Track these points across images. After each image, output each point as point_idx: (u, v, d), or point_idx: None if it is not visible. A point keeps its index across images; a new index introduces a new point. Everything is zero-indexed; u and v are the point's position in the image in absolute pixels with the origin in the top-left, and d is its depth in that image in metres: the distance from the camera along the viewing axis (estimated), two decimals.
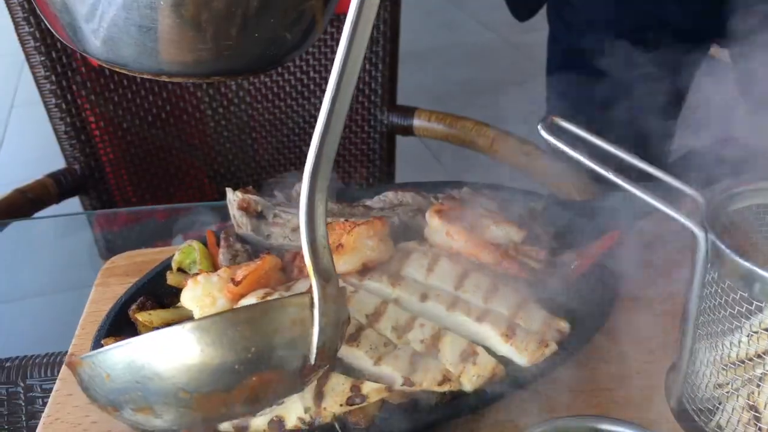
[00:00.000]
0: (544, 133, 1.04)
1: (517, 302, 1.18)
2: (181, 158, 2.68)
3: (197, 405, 0.84)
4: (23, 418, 1.37)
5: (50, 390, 1.34)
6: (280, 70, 2.58)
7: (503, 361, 1.12)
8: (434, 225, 1.26)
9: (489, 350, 1.12)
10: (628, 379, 1.19)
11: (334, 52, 2.56)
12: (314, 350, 0.87)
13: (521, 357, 1.12)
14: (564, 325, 1.17)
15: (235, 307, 1.18)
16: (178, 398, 0.84)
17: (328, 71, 2.64)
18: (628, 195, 1.33)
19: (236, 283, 1.16)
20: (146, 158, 2.60)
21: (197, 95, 2.60)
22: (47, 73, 2.34)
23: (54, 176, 2.40)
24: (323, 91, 2.69)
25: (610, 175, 1.01)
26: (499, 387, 1.10)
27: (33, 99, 2.47)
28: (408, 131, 2.63)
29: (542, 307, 1.19)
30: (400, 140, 2.70)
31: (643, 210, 1.34)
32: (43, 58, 2.32)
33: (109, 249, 2.24)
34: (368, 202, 1.49)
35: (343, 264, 1.18)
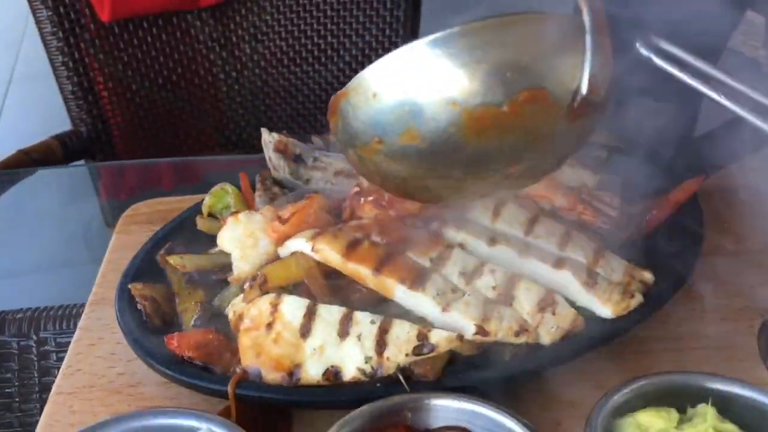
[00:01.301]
0: (644, 51, 0.92)
1: (594, 250, 1.06)
2: (191, 123, 2.55)
3: (466, 125, 0.78)
4: (35, 374, 1.25)
5: (65, 344, 1.22)
6: (296, 33, 2.45)
7: (582, 312, 1.00)
8: None
9: (567, 300, 1.00)
10: (715, 337, 1.07)
11: (353, 16, 2.45)
12: (586, 77, 0.79)
13: (605, 308, 1.00)
14: (648, 276, 1.05)
15: (280, 249, 1.06)
16: (447, 113, 0.78)
17: (347, 36, 2.52)
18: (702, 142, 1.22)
19: (283, 222, 1.04)
20: (155, 122, 2.46)
21: (210, 58, 2.47)
22: (54, 29, 2.21)
23: (60, 138, 2.27)
24: (340, 57, 2.58)
25: (722, 99, 0.89)
26: (579, 341, 0.98)
27: (31, 73, 2.34)
28: None
29: (622, 257, 1.07)
30: None
31: (720, 158, 1.23)
32: (50, 13, 2.18)
33: (115, 217, 2.13)
34: None
35: (404, 203, 1.05)
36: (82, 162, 2.41)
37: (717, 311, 1.10)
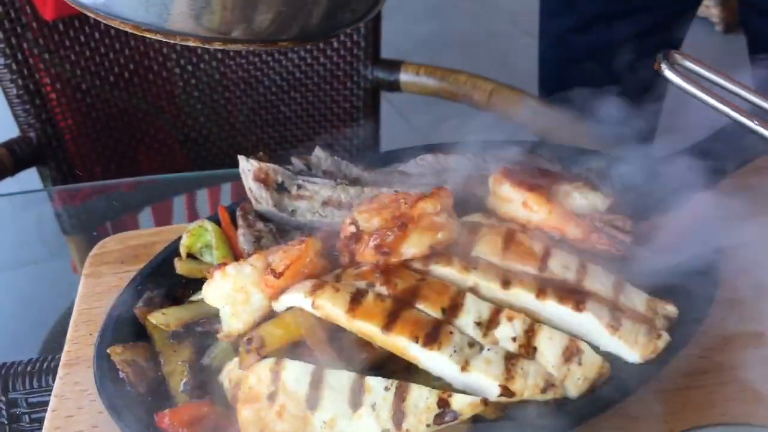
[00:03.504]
0: (667, 73, 0.84)
1: (612, 284, 0.99)
2: (148, 122, 2.42)
3: None
4: None
5: (38, 405, 1.12)
6: None
7: (606, 356, 0.93)
8: (505, 193, 1.05)
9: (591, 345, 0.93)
10: (743, 368, 1.01)
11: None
12: None
13: (632, 352, 0.93)
14: (672, 309, 0.98)
15: (275, 304, 0.96)
16: None
17: None
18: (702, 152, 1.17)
19: (277, 276, 0.94)
20: (109, 123, 2.33)
21: (163, 52, 2.34)
22: None
23: (7, 145, 2.12)
24: (302, 46, 2.46)
25: (753, 124, 0.82)
26: (607, 390, 0.91)
27: None
28: (394, 87, 2.41)
29: (640, 289, 1.00)
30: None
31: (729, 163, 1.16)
32: None
33: (73, 225, 2.01)
34: (403, 167, 1.28)
35: (408, 248, 0.96)
36: (33, 169, 2.28)
37: (742, 338, 1.04)
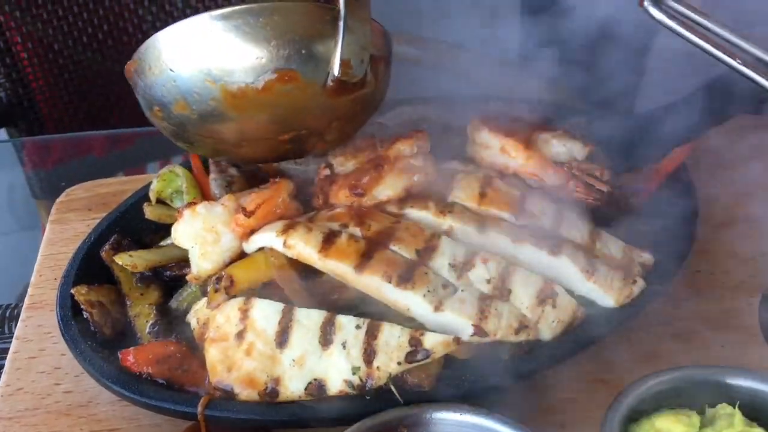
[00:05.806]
0: (652, 10, 0.82)
1: (589, 231, 0.98)
2: (122, 86, 2.35)
3: (226, 102, 0.87)
4: None
5: (1, 351, 1.09)
6: None
7: (581, 300, 0.92)
8: (483, 139, 1.03)
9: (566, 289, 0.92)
10: (715, 317, 1.00)
11: None
12: (337, 60, 0.86)
13: (607, 297, 0.92)
14: (648, 258, 0.97)
15: (246, 244, 0.94)
16: (206, 89, 0.87)
17: None
18: (682, 109, 1.15)
19: (248, 214, 0.92)
20: (82, 85, 2.27)
21: (138, 13, 2.28)
22: None
23: None
24: None
25: (735, 63, 0.80)
26: (581, 335, 0.90)
27: None
28: None
29: (617, 237, 0.99)
30: None
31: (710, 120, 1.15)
32: None
33: (43, 189, 1.97)
34: (381, 119, 1.25)
35: (383, 190, 0.94)
36: (1, 131, 2.23)
37: (715, 288, 1.04)
